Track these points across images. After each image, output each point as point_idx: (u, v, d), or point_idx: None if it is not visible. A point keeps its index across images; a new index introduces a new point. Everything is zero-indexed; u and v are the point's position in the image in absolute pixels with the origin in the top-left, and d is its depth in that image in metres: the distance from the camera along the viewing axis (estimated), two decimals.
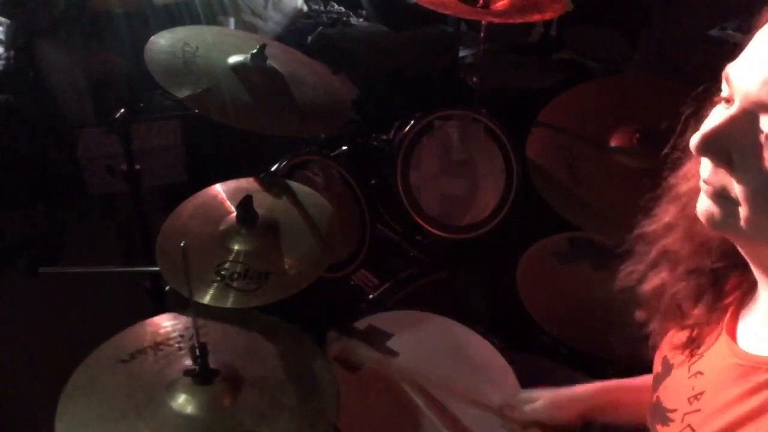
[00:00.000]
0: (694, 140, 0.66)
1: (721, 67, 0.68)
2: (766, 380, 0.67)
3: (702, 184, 0.69)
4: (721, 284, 0.80)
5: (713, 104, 0.70)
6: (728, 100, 0.66)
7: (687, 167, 0.81)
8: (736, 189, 0.64)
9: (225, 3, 2.83)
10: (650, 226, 0.88)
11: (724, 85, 0.67)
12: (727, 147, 0.64)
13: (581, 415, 1.15)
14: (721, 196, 0.66)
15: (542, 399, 1.19)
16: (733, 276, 0.80)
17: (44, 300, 2.13)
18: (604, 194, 1.56)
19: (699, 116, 0.74)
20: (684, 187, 0.80)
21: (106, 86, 2.61)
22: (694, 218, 0.74)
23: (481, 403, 1.23)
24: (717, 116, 0.66)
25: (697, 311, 0.81)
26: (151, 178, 1.71)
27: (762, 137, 0.62)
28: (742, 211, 0.64)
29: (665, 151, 0.83)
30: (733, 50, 0.68)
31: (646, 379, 1.03)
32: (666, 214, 0.84)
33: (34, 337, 2.08)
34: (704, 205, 0.69)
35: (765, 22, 0.66)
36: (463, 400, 1.24)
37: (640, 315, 0.91)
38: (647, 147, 1.56)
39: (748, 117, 0.63)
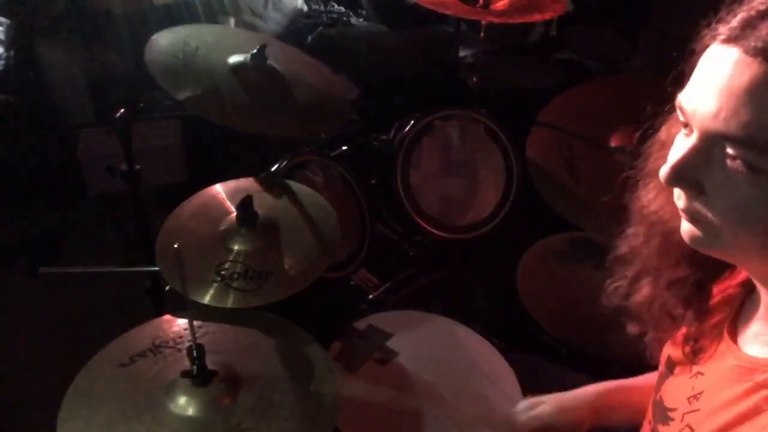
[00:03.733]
0: (663, 172, 0.67)
1: None
2: (764, 380, 0.68)
3: (681, 212, 0.70)
4: (706, 291, 0.81)
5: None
6: (686, 125, 0.66)
7: (648, 185, 0.82)
8: (712, 213, 0.65)
9: (225, 3, 2.82)
10: (624, 248, 0.89)
11: (679, 114, 0.68)
12: (696, 175, 0.65)
13: (587, 418, 1.10)
14: (699, 220, 0.67)
15: (547, 404, 1.14)
16: (719, 281, 0.82)
17: (44, 300, 2.13)
18: (604, 194, 1.56)
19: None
20: (651, 206, 0.81)
21: (106, 86, 2.60)
22: (666, 234, 0.77)
23: (484, 417, 1.21)
24: (680, 147, 0.66)
25: (689, 315, 0.82)
26: (151, 178, 1.70)
27: (728, 161, 0.62)
28: (723, 233, 0.65)
29: (628, 172, 0.87)
30: None
31: (646, 379, 1.03)
32: (637, 235, 0.86)
33: (34, 337, 2.08)
34: (686, 228, 0.70)
35: (704, 47, 0.66)
36: (467, 414, 1.22)
37: (632, 329, 0.92)
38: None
39: (709, 144, 0.63)
